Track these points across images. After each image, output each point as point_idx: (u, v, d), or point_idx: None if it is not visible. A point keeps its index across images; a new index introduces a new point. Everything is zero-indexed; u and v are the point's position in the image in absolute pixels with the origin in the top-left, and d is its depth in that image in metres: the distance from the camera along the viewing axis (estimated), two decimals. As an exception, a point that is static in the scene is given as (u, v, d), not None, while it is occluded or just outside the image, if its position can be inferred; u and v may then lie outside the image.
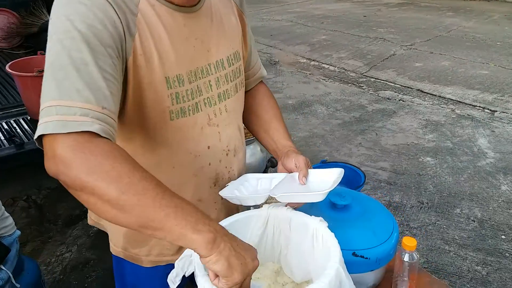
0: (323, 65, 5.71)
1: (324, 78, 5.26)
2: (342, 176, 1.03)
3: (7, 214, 1.42)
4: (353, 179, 2.38)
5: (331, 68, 5.59)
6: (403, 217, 2.78)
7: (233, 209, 1.18)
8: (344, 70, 5.48)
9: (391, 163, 3.41)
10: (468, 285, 2.27)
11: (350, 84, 5.04)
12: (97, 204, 0.68)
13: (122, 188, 0.67)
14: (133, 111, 0.91)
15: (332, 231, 0.95)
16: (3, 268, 1.29)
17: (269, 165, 2.57)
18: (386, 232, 1.16)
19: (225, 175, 1.10)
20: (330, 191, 0.93)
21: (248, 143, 2.30)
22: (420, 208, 2.87)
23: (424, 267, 2.34)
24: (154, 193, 0.69)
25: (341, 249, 1.10)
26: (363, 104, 4.49)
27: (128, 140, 0.96)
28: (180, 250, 1.08)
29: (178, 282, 0.83)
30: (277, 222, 0.99)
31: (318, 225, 0.94)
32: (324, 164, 2.48)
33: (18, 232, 1.45)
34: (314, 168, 1.09)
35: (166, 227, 0.69)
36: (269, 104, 1.24)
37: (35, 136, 0.71)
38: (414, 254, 1.13)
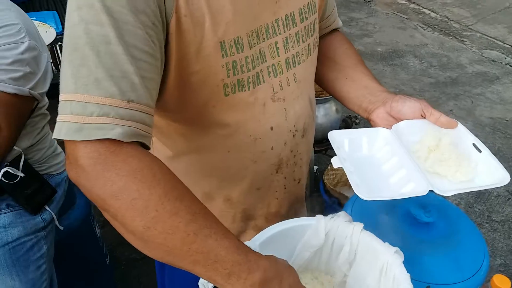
0: (424, 10, 5.05)
1: (423, 26, 4.67)
2: None
3: (59, 150, 1.35)
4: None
5: (432, 15, 4.94)
6: (485, 206, 2.46)
7: (298, 199, 0.99)
8: (447, 19, 4.83)
9: (483, 139, 2.93)
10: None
11: (451, 37, 4.44)
12: (121, 230, 0.60)
13: (147, 223, 0.56)
14: (176, 87, 0.72)
15: (405, 253, 0.76)
16: (47, 208, 1.25)
17: (343, 125, 2.32)
18: (474, 265, 0.93)
19: (290, 160, 0.90)
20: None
21: (324, 101, 2.06)
22: (508, 199, 2.52)
23: (500, 271, 2.07)
24: (185, 233, 0.57)
25: (413, 280, 0.89)
26: (463, 64, 3.95)
27: (172, 121, 0.79)
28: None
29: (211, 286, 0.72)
30: (339, 240, 0.80)
31: (391, 259, 0.74)
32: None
33: (69, 171, 1.40)
34: None
35: (195, 271, 0.60)
36: (350, 50, 0.99)
37: (53, 135, 0.59)
38: (505, 299, 0.90)
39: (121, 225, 0.58)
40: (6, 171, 1.11)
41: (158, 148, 0.88)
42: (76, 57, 0.58)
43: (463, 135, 0.84)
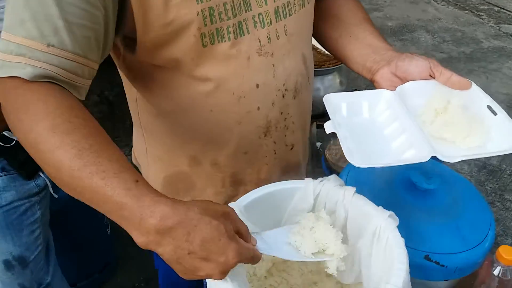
0: (438, -17, 4.90)
1: (436, 0, 4.52)
2: None
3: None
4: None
5: (448, -12, 4.78)
6: (497, 184, 2.39)
7: (291, 167, 0.94)
8: (463, -7, 4.67)
9: (497, 115, 2.90)
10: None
11: (466, 11, 4.29)
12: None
13: (40, 157, 0.57)
14: (150, 40, 0.68)
15: (403, 221, 0.72)
16: (41, 175, 1.23)
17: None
18: (478, 235, 0.89)
19: (280, 123, 0.85)
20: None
21: (327, 73, 1.98)
22: (522, 178, 2.45)
23: None
24: (69, 169, 0.54)
25: (412, 249, 0.85)
26: (478, 38, 3.82)
27: (153, 76, 0.75)
28: None
29: None
30: (330, 204, 0.75)
31: (384, 223, 0.70)
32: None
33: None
34: None
35: (98, 210, 0.56)
36: (356, 7, 0.93)
37: None
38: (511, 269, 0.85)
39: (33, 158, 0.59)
40: (2, 134, 1.10)
41: (143, 107, 0.85)
42: None
43: (477, 97, 0.76)
